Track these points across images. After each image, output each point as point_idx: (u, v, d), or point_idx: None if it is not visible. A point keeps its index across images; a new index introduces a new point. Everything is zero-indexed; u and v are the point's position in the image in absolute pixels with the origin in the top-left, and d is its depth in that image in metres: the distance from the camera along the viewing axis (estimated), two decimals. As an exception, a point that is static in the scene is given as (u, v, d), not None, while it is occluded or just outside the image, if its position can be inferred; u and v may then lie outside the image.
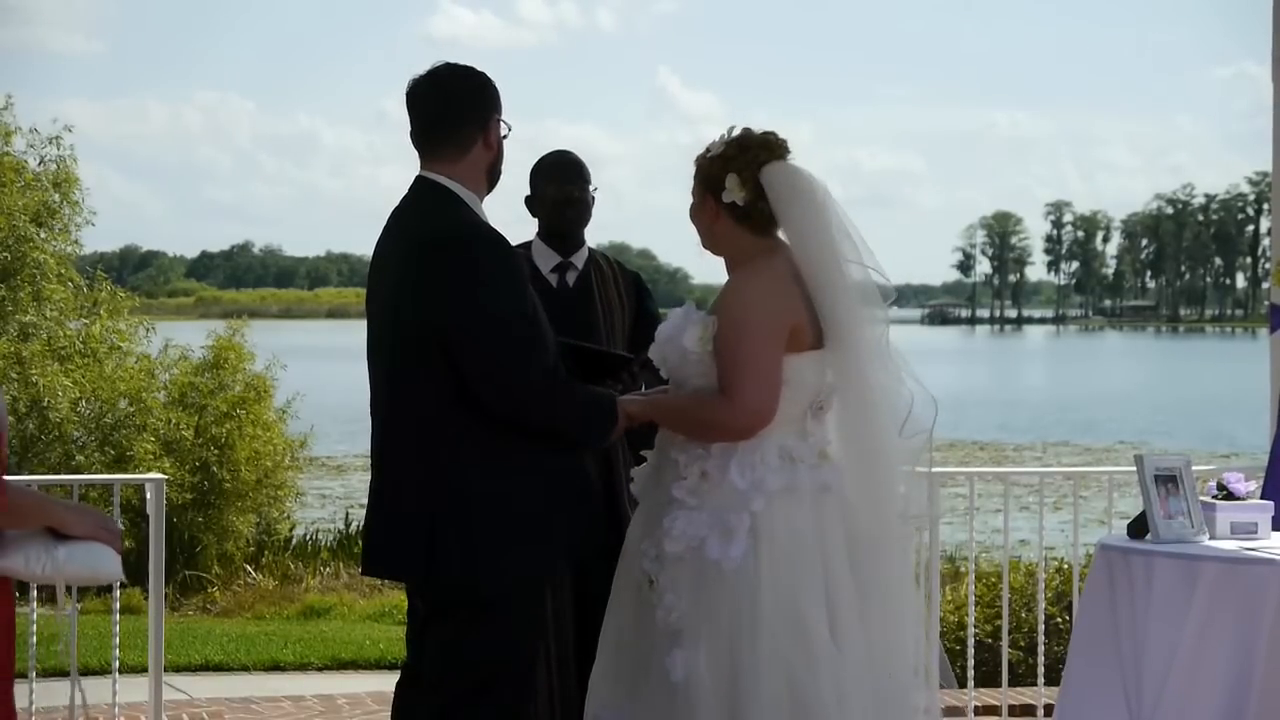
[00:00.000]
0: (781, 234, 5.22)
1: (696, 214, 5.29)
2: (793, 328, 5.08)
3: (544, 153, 6.40)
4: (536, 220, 6.36)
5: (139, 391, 18.13)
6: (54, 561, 4.09)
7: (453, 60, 5.07)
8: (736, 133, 5.24)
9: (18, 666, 4.27)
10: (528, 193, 6.34)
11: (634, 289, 6.45)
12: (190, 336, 19.87)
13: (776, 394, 5.04)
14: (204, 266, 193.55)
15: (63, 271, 19.23)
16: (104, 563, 4.15)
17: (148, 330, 19.61)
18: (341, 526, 19.62)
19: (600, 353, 5.44)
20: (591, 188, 6.31)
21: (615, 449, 6.00)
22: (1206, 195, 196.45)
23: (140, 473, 14.57)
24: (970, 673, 8.34)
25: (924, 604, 7.24)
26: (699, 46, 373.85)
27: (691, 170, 5.29)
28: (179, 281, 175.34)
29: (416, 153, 5.08)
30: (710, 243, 5.30)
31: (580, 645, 5.90)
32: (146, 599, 7.88)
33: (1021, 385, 69.19)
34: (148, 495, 7.65)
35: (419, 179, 5.06)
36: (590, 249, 6.40)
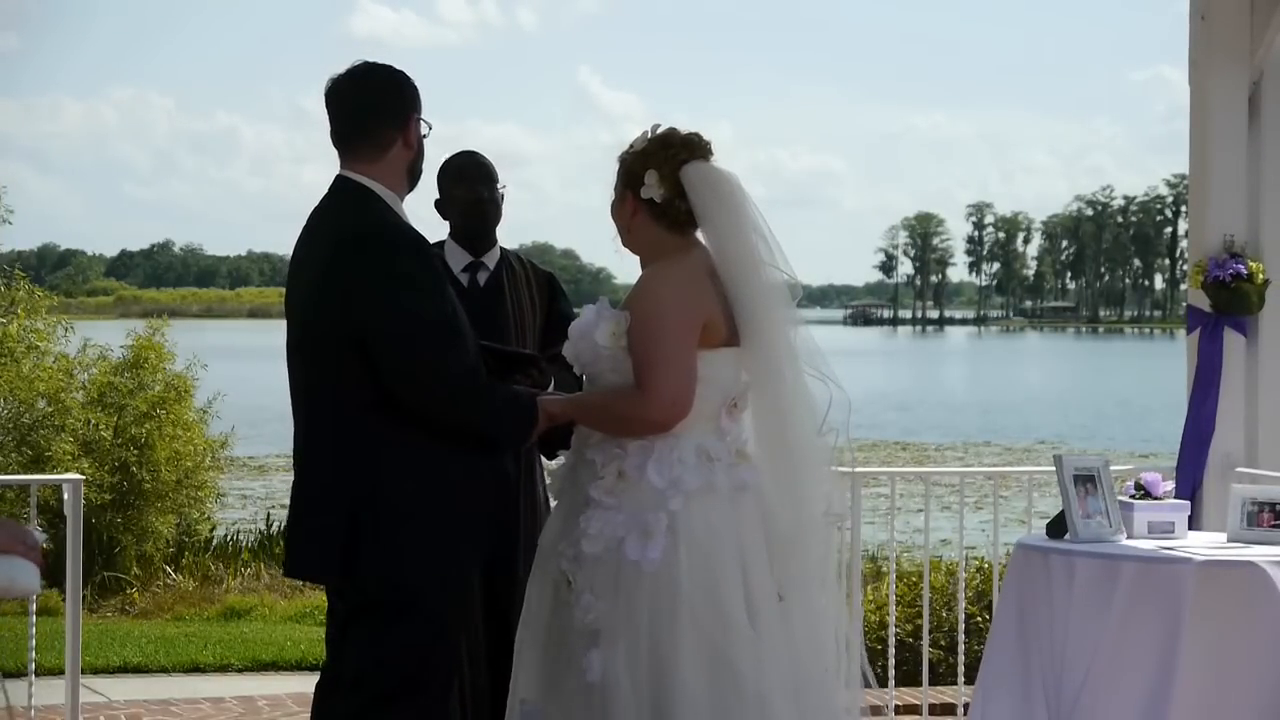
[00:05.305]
0: (699, 234, 5.23)
1: (616, 210, 5.30)
2: (705, 322, 5.08)
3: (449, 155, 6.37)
4: (448, 222, 6.33)
5: (57, 391, 17.91)
6: None
7: (373, 59, 5.06)
8: (661, 130, 5.25)
9: None
10: (437, 197, 6.31)
11: (547, 289, 6.43)
12: (110, 336, 19.65)
13: (692, 386, 5.04)
14: (124, 265, 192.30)
15: (-22, 271, 19.03)
16: (21, 576, 4.09)
17: (66, 329, 19.35)
18: (262, 527, 19.50)
19: (505, 351, 5.42)
20: (500, 186, 6.29)
21: (536, 448, 5.97)
22: (1125, 197, 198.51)
23: (58, 473, 14.41)
24: (891, 672, 8.37)
25: (845, 603, 7.28)
26: (620, 46, 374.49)
27: (614, 169, 5.30)
28: (98, 280, 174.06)
29: (336, 152, 5.06)
30: (628, 239, 5.30)
31: (492, 643, 5.88)
32: (64, 600, 7.82)
33: (943, 386, 69.57)
34: (65, 496, 7.59)
35: (338, 178, 5.04)
36: (503, 249, 6.37)
